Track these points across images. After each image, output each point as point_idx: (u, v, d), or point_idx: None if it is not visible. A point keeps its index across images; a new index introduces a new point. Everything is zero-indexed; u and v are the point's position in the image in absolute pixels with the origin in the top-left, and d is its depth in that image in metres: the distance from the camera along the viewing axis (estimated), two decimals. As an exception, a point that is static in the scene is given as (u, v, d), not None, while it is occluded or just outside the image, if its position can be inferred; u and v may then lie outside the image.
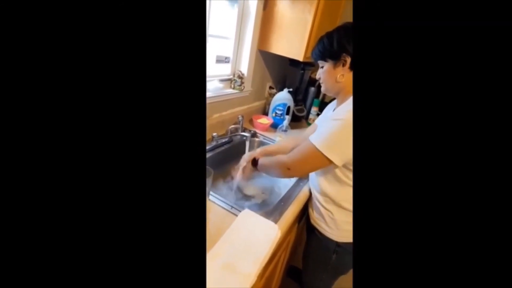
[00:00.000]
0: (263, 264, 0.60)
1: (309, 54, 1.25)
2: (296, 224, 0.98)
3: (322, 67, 0.75)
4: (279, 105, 1.34)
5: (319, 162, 0.67)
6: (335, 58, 0.71)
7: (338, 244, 0.80)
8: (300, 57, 1.20)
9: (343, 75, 0.71)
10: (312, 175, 0.85)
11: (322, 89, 0.78)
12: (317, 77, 0.77)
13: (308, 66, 1.46)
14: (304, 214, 1.02)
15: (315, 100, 1.61)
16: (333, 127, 0.64)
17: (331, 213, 0.78)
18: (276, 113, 1.35)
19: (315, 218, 0.84)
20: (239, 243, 0.61)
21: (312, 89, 1.63)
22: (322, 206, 0.79)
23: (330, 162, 0.66)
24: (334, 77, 0.72)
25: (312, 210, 0.86)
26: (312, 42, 1.18)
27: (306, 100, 1.64)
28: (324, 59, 0.73)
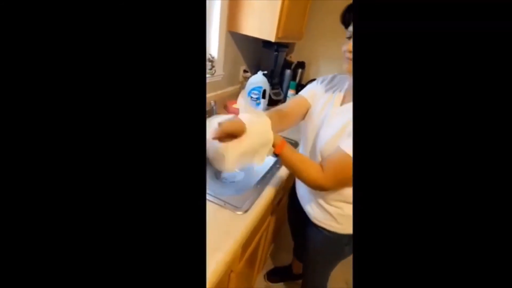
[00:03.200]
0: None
1: (281, 34, 1.23)
2: (275, 207, 1.00)
3: None
4: (254, 88, 1.32)
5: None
6: None
7: (350, 236, 0.75)
8: (272, 38, 1.17)
9: None
10: None
11: (350, 68, 0.59)
12: (348, 48, 0.57)
13: (282, 47, 1.44)
14: (281, 194, 1.04)
15: (292, 82, 1.60)
16: None
17: (341, 209, 0.71)
18: (251, 97, 1.33)
19: (319, 218, 0.75)
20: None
21: (288, 71, 1.61)
22: (330, 204, 0.71)
23: None
24: None
25: (313, 211, 0.76)
26: (284, 21, 1.16)
27: (283, 83, 1.63)
28: None
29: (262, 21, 1.17)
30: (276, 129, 0.64)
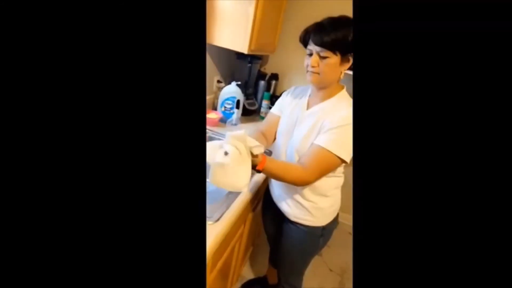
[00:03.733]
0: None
1: (254, 47, 1.27)
2: (250, 213, 0.99)
3: (324, 57, 0.65)
4: (227, 98, 1.33)
5: (335, 165, 0.70)
6: (346, 52, 0.65)
7: (323, 227, 0.83)
8: (244, 50, 1.20)
9: (345, 73, 0.68)
10: None
11: (315, 80, 0.69)
12: (312, 64, 0.67)
13: (255, 59, 1.48)
14: (258, 201, 1.04)
15: (266, 93, 1.64)
16: (348, 132, 0.66)
17: (315, 203, 0.79)
18: (225, 107, 1.34)
19: (296, 215, 0.82)
20: None
21: (262, 82, 1.65)
22: (305, 199, 0.79)
23: (343, 162, 0.68)
24: (338, 72, 0.68)
25: (290, 208, 0.83)
26: (256, 34, 1.20)
27: (257, 94, 1.66)
28: (333, 50, 0.64)
29: (234, 34, 1.19)
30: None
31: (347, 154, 0.66)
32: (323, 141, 0.67)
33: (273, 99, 1.71)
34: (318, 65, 0.66)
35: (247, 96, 1.53)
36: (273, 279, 1.24)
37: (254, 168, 0.65)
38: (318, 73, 0.67)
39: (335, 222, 0.85)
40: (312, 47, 0.66)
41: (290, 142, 0.79)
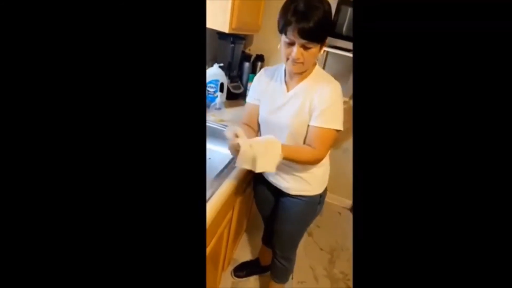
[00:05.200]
0: None
1: (235, 26, 1.20)
2: (239, 198, 0.98)
3: (308, 47, 0.66)
4: (210, 82, 1.28)
5: (336, 137, 0.77)
6: (323, 40, 0.68)
7: (320, 195, 0.90)
8: (226, 29, 1.14)
9: (321, 54, 0.71)
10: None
11: (299, 69, 0.72)
12: (297, 57, 0.67)
13: (238, 39, 1.42)
14: (246, 185, 1.02)
15: (251, 75, 1.59)
16: (336, 106, 0.74)
17: (312, 173, 0.85)
18: (208, 90, 1.29)
19: (296, 188, 0.87)
20: None
21: (247, 64, 1.60)
22: (303, 172, 0.85)
23: (338, 131, 0.75)
24: (316, 58, 0.71)
25: (289, 183, 0.87)
26: (237, 12, 1.13)
27: (242, 76, 1.61)
28: (317, 40, 0.66)
29: (214, 11, 1.12)
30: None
31: (340, 123, 0.75)
32: (321, 121, 0.73)
33: (259, 81, 1.67)
34: (303, 56, 0.67)
35: (231, 79, 1.47)
36: (265, 261, 1.26)
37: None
38: (303, 63, 0.69)
39: (326, 189, 0.93)
40: (295, 38, 0.65)
41: (278, 124, 0.81)
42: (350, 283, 1.34)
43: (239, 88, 1.54)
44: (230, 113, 1.33)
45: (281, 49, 0.71)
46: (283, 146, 0.70)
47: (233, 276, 1.24)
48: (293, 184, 0.87)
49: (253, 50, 1.72)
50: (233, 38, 1.37)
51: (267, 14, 1.49)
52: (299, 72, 0.75)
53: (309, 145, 0.77)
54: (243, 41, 1.48)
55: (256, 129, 0.90)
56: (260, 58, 1.67)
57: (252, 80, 1.57)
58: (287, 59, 0.70)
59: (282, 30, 0.67)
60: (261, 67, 1.70)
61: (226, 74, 1.35)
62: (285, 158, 0.71)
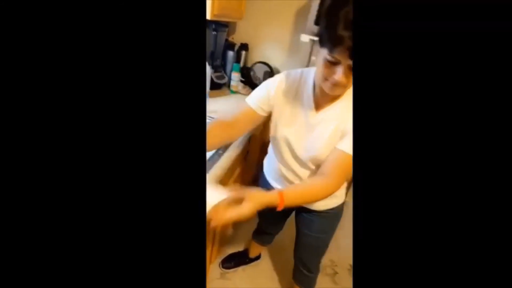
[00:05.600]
0: None
1: (217, 11, 1.15)
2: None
3: (351, 67, 0.50)
4: (193, 71, 1.23)
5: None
6: None
7: (343, 203, 0.83)
8: (207, 15, 1.09)
9: None
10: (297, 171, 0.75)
11: (340, 92, 0.59)
12: (340, 80, 0.52)
13: (221, 26, 1.37)
14: (230, 176, 1.00)
15: (235, 64, 1.54)
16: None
17: None
18: (191, 80, 1.24)
19: (326, 204, 0.79)
20: None
21: (231, 53, 1.55)
22: None
23: None
24: None
25: (317, 202, 0.75)
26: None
27: (226, 66, 1.56)
28: None
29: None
30: (217, 141, 0.70)
31: None
32: (348, 146, 0.59)
33: (244, 71, 1.62)
34: (347, 78, 0.53)
35: (214, 68, 1.43)
36: (254, 253, 1.26)
37: (274, 210, 0.56)
38: (345, 86, 0.56)
39: None
40: (342, 58, 0.49)
41: (304, 147, 0.69)
42: (337, 269, 1.37)
43: (223, 78, 1.50)
44: (214, 103, 1.29)
45: (316, 64, 0.58)
46: (285, 193, 0.58)
47: (221, 268, 1.24)
48: (322, 201, 0.71)
49: (236, 39, 1.67)
50: (215, 25, 1.32)
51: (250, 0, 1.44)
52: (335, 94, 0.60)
53: (320, 171, 0.64)
54: (226, 29, 1.43)
55: (237, 132, 0.74)
56: (244, 47, 1.63)
57: (236, 70, 1.53)
58: (326, 79, 0.55)
59: (326, 45, 0.50)
60: (245, 57, 1.65)
61: (209, 64, 1.30)
62: (288, 206, 0.58)
